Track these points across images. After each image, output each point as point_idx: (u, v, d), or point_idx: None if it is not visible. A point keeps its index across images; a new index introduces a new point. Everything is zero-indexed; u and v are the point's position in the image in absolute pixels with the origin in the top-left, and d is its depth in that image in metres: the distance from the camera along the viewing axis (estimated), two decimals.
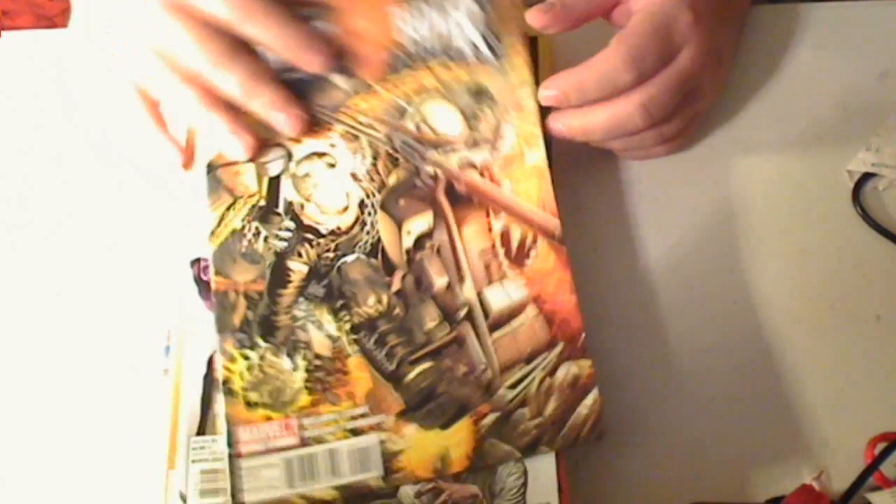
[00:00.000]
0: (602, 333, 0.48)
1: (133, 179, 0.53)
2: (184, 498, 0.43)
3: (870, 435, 0.47)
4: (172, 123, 0.49)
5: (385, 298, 0.45)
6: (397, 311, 0.45)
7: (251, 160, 0.46)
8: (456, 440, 0.43)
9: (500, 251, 0.46)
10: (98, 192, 0.53)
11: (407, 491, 0.43)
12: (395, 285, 0.45)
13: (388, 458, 0.43)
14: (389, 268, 0.45)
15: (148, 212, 0.52)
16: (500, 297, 0.45)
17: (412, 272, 0.45)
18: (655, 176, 0.53)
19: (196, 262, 0.47)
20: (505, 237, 0.46)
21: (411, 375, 0.44)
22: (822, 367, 0.48)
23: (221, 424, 0.44)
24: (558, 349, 0.44)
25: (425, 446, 0.43)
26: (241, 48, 0.45)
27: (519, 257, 0.46)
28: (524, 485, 0.43)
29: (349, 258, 0.45)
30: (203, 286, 0.47)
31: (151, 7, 0.45)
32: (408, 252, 0.45)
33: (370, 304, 0.45)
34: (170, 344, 0.46)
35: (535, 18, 0.47)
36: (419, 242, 0.46)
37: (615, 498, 0.46)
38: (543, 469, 0.44)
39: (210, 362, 0.46)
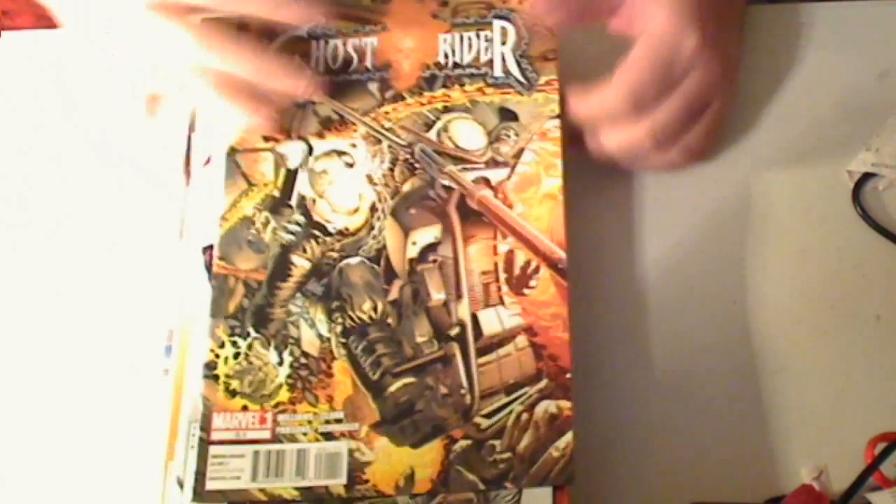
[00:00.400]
0: (602, 333, 0.48)
1: (133, 179, 0.53)
2: (181, 484, 0.43)
3: (870, 435, 0.47)
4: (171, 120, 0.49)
5: (380, 306, 0.45)
6: (390, 320, 0.45)
7: (274, 137, 0.47)
8: (424, 461, 0.42)
9: (502, 275, 0.45)
10: (98, 192, 0.53)
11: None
12: (393, 294, 0.45)
13: (355, 467, 0.42)
14: (390, 276, 0.45)
15: (148, 212, 0.52)
16: (493, 321, 0.45)
17: (411, 283, 0.45)
18: (655, 176, 0.53)
19: (209, 248, 0.48)
20: (509, 260, 0.46)
21: (392, 388, 0.44)
22: (822, 367, 0.48)
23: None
24: (541, 385, 0.43)
25: (393, 462, 0.42)
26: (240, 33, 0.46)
27: (519, 284, 0.45)
28: (520, 491, 0.43)
29: (352, 260, 0.45)
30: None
31: (149, 9, 0.45)
32: (410, 262, 0.46)
33: (365, 310, 0.45)
34: (170, 344, 0.46)
35: (537, 6, 0.47)
36: (423, 254, 0.46)
37: (615, 498, 0.46)
38: None
39: None
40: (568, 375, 0.44)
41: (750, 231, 0.51)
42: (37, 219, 0.53)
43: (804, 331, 0.49)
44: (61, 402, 0.48)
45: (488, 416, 0.43)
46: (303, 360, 0.44)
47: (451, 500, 0.43)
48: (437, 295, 0.45)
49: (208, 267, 0.47)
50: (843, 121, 0.53)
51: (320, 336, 0.44)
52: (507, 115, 0.48)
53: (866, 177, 0.52)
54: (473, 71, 0.49)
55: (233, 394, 0.43)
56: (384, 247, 0.46)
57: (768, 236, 0.51)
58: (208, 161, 0.50)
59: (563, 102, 0.48)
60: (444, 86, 0.49)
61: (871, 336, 0.49)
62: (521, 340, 0.44)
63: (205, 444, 0.43)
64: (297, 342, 0.44)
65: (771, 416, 0.47)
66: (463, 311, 0.45)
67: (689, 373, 0.48)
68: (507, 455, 0.43)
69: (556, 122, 0.48)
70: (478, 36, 0.50)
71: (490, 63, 0.49)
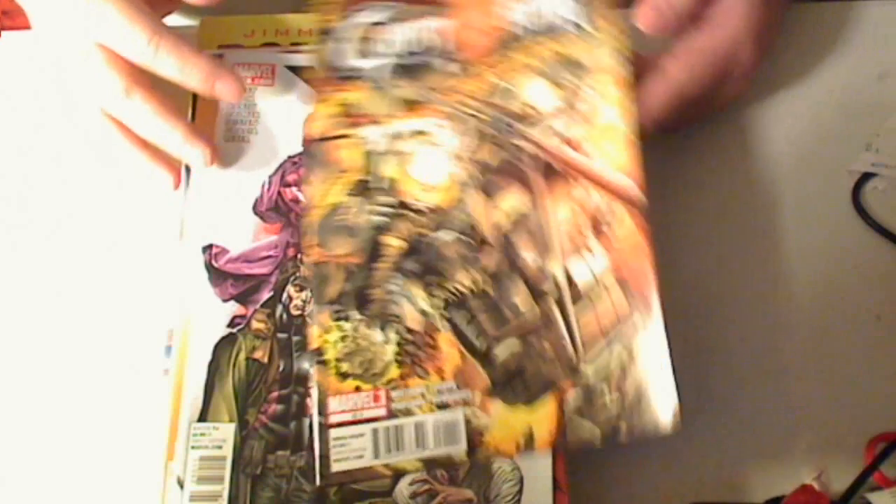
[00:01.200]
0: None
1: (133, 179, 0.53)
2: (181, 484, 0.44)
3: (870, 435, 0.47)
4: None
5: (477, 276, 0.45)
6: (488, 289, 0.45)
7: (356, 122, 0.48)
8: (539, 418, 0.43)
9: (586, 223, 0.46)
10: (98, 192, 0.53)
11: (402, 492, 0.43)
12: (487, 262, 0.46)
13: (473, 433, 0.43)
14: (481, 245, 0.46)
15: (148, 212, 0.52)
16: (583, 270, 0.45)
17: (503, 249, 0.46)
18: (655, 176, 0.52)
19: (208, 248, 0.48)
20: (590, 208, 0.46)
21: (498, 352, 0.44)
22: (822, 367, 0.48)
23: (222, 414, 0.45)
24: (634, 319, 0.45)
25: (510, 423, 0.43)
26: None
27: (602, 228, 0.46)
28: (520, 491, 0.43)
29: (445, 236, 0.46)
30: (214, 272, 0.47)
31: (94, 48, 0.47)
32: (499, 228, 0.46)
33: (462, 282, 0.45)
34: (170, 344, 0.46)
35: (643, 18, 0.48)
36: (510, 218, 0.46)
37: (615, 498, 0.46)
38: (539, 475, 0.44)
39: (215, 349, 0.46)
40: (656, 306, 0.44)
41: (750, 231, 0.51)
42: (37, 219, 0.53)
43: (804, 331, 0.49)
44: (62, 403, 0.49)
45: (593, 362, 0.44)
46: (408, 336, 0.45)
47: (451, 500, 0.43)
48: (528, 256, 0.46)
49: (209, 266, 0.47)
50: (843, 121, 0.53)
51: (422, 311, 0.45)
52: (578, 67, 0.49)
53: (866, 177, 0.52)
54: (535, 27, 0.49)
55: (344, 376, 0.44)
56: (473, 218, 0.46)
57: (768, 236, 0.51)
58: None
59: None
60: (511, 48, 0.49)
61: (871, 336, 0.49)
62: (609, 280, 0.45)
63: (324, 427, 0.43)
64: (400, 319, 0.45)
65: (771, 416, 0.47)
66: (555, 266, 0.46)
67: (688, 372, 0.48)
68: (615, 396, 0.44)
69: (627, 68, 0.48)
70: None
71: (550, 14, 0.49)
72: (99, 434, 0.48)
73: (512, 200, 0.47)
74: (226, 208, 0.49)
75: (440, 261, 0.46)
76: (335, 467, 0.43)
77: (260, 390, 0.45)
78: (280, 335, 0.46)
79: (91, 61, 0.47)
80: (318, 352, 0.44)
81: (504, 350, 0.44)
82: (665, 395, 0.44)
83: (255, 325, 0.46)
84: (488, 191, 0.47)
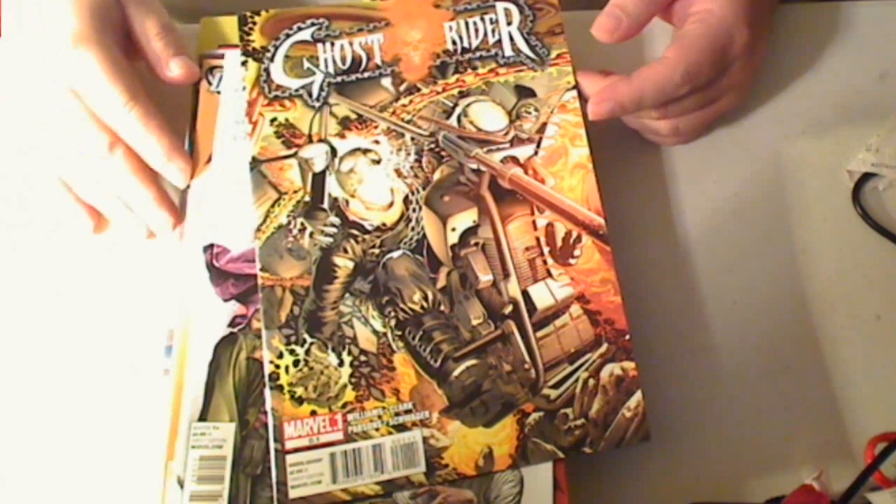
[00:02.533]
0: None
1: None
2: (181, 483, 0.44)
3: (870, 435, 0.47)
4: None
5: (430, 295, 0.45)
6: (442, 307, 0.45)
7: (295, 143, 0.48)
8: (499, 438, 0.43)
9: (545, 248, 0.46)
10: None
11: (403, 493, 0.43)
12: (441, 282, 0.45)
13: (432, 454, 0.43)
14: (434, 264, 0.46)
15: None
16: (544, 295, 0.45)
17: (457, 269, 0.46)
18: (655, 176, 0.53)
19: (209, 248, 0.48)
20: (549, 234, 0.46)
21: (456, 372, 0.44)
22: (822, 367, 0.48)
23: (222, 413, 0.45)
24: (602, 349, 0.45)
25: (469, 444, 0.43)
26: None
27: (564, 255, 0.46)
28: (520, 493, 0.43)
29: (394, 254, 0.46)
30: (215, 272, 0.47)
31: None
32: (453, 248, 0.46)
33: (415, 301, 0.45)
34: (170, 344, 0.46)
35: (601, 28, 0.48)
36: (464, 239, 0.46)
37: (615, 498, 0.46)
38: (539, 477, 0.44)
39: (216, 349, 0.46)
40: (627, 337, 0.45)
41: (750, 231, 0.51)
42: (37, 219, 0.52)
43: (804, 331, 0.49)
44: (62, 402, 0.48)
45: (556, 386, 0.44)
46: (362, 358, 0.44)
47: (451, 500, 0.43)
48: (484, 277, 0.46)
49: (210, 266, 0.47)
50: (843, 121, 0.53)
51: (376, 332, 0.45)
52: (525, 92, 0.49)
53: (866, 177, 0.52)
54: (483, 53, 0.50)
55: (299, 401, 0.44)
56: (424, 237, 0.46)
57: (768, 236, 0.51)
58: (209, 160, 0.50)
59: (576, 75, 0.49)
60: (457, 72, 0.49)
61: (871, 336, 0.49)
62: (576, 309, 0.45)
63: (281, 454, 0.43)
64: (354, 341, 0.45)
65: (771, 416, 0.47)
66: (513, 288, 0.45)
67: (688, 373, 0.48)
68: (580, 422, 0.44)
69: (574, 93, 0.49)
70: (482, 20, 0.50)
71: (499, 44, 0.50)
72: (99, 434, 0.48)
73: (463, 219, 0.46)
74: (227, 208, 0.49)
75: (391, 280, 0.45)
76: (293, 493, 0.42)
77: (260, 390, 0.45)
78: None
79: (70, 113, 0.47)
80: (273, 377, 0.44)
81: (462, 369, 0.44)
82: (635, 421, 0.44)
83: (256, 324, 0.46)
84: (437, 208, 0.47)
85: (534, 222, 0.47)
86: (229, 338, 0.46)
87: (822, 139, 0.53)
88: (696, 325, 0.49)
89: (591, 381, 0.44)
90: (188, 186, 0.50)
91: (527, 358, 0.44)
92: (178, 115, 0.51)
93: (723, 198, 0.52)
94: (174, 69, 0.49)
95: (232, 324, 0.46)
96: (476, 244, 0.46)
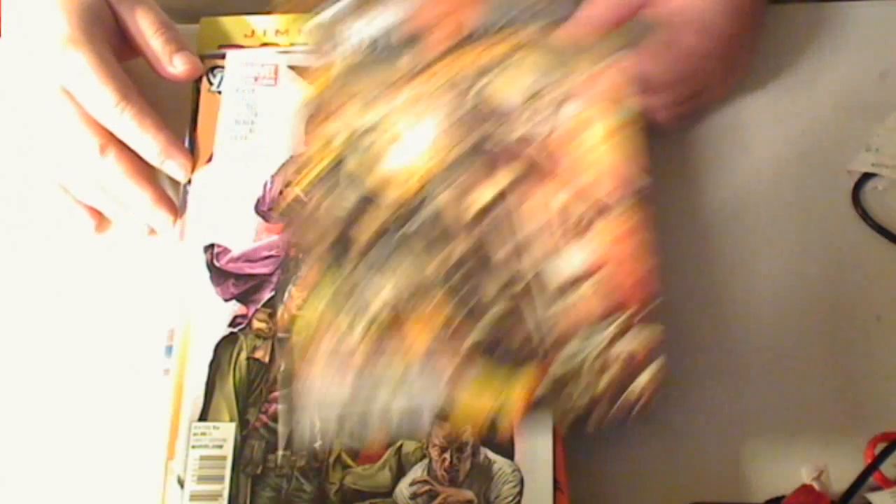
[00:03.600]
0: None
1: None
2: (181, 483, 0.44)
3: (870, 435, 0.47)
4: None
5: (445, 268, 0.45)
6: (456, 281, 0.45)
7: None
8: (506, 401, 0.43)
9: (565, 220, 0.46)
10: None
11: (403, 492, 0.43)
12: (456, 255, 0.45)
13: (440, 413, 0.43)
14: (451, 237, 0.45)
15: None
16: (562, 266, 0.45)
17: (474, 242, 0.45)
18: (655, 176, 0.53)
19: (210, 247, 0.48)
20: (569, 206, 0.46)
21: (467, 345, 0.44)
22: (822, 367, 0.48)
23: (222, 413, 0.45)
24: (622, 317, 0.44)
25: (474, 411, 0.43)
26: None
27: (583, 227, 0.45)
28: (520, 493, 0.43)
29: (412, 227, 0.46)
30: (215, 272, 0.47)
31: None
32: (470, 222, 0.46)
33: (429, 274, 0.45)
34: (170, 344, 0.46)
35: (563, 34, 0.48)
36: (482, 212, 0.46)
37: (615, 498, 0.46)
38: (539, 476, 0.44)
39: (216, 349, 0.46)
40: (647, 309, 0.44)
41: (750, 231, 0.51)
42: (37, 219, 0.53)
43: (804, 331, 0.49)
44: (62, 402, 0.48)
45: (568, 358, 0.43)
46: (382, 316, 0.44)
47: (451, 501, 0.43)
48: (501, 250, 0.45)
49: (210, 266, 0.47)
50: (843, 121, 0.53)
51: (386, 302, 0.44)
52: (549, 62, 0.48)
53: (866, 177, 0.52)
54: (511, 19, 0.49)
55: (312, 360, 0.43)
56: (441, 210, 0.46)
57: (768, 236, 0.51)
58: (210, 160, 0.50)
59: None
60: (479, 40, 0.49)
61: (871, 336, 0.49)
62: (594, 280, 0.44)
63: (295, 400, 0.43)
64: (370, 304, 0.44)
65: (771, 416, 0.47)
66: (530, 261, 0.45)
67: (688, 372, 0.48)
68: (587, 398, 0.43)
69: (602, 63, 0.48)
70: None
71: (528, 12, 0.49)
72: (99, 434, 0.48)
73: (482, 193, 0.46)
74: (227, 208, 0.49)
75: (406, 253, 0.45)
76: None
77: (261, 390, 0.45)
78: (281, 335, 0.46)
79: (63, 114, 0.47)
80: (288, 331, 0.44)
81: (473, 343, 0.44)
82: (646, 392, 0.43)
83: (257, 324, 0.46)
84: (455, 182, 0.46)
85: (553, 194, 0.46)
86: (230, 338, 0.46)
87: (822, 139, 0.53)
88: (695, 325, 0.49)
89: (605, 354, 0.43)
90: (188, 183, 0.50)
91: (540, 330, 0.44)
92: (178, 115, 0.51)
93: (722, 198, 0.52)
94: (178, 65, 0.49)
95: (232, 324, 0.46)
96: (494, 217, 0.46)
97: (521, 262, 0.45)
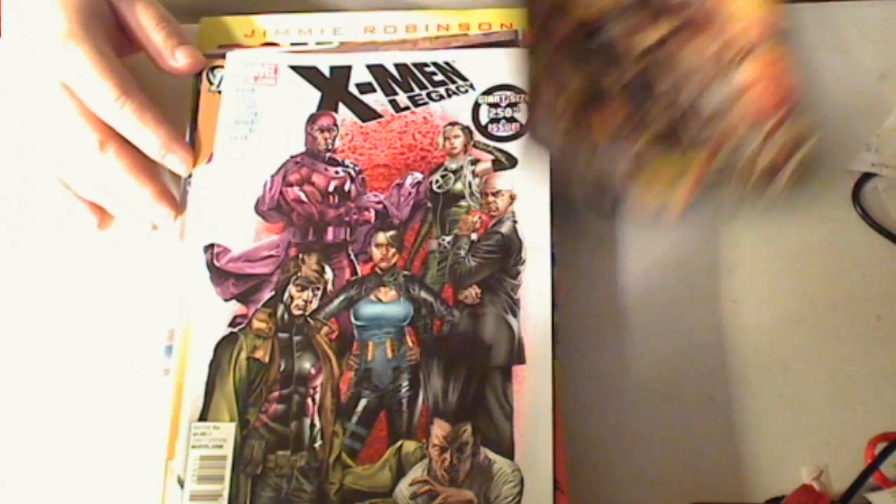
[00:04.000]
0: (601, 333, 0.49)
1: None
2: (181, 483, 0.44)
3: (870, 435, 0.47)
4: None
5: (618, 85, 0.49)
6: (626, 97, 0.49)
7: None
8: (685, 168, 0.48)
9: (717, 61, 0.50)
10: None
11: (403, 492, 0.43)
12: (625, 80, 0.49)
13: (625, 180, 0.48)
14: (621, 63, 0.50)
15: None
16: (715, 96, 0.49)
17: (639, 72, 0.50)
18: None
19: (210, 247, 0.48)
20: (721, 52, 0.50)
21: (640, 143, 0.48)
22: (822, 367, 0.48)
23: (222, 413, 0.45)
24: (774, 119, 0.48)
25: (653, 181, 0.48)
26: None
27: (734, 65, 0.50)
28: (520, 493, 0.43)
29: (591, 45, 0.50)
30: (215, 272, 0.47)
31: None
32: (637, 56, 0.49)
33: (605, 85, 0.49)
34: (170, 344, 0.47)
35: None
36: (646, 51, 0.50)
37: (615, 498, 0.46)
38: (539, 476, 0.44)
39: (216, 349, 0.46)
40: (796, 108, 0.49)
41: (750, 230, 0.51)
42: (37, 219, 0.53)
43: (804, 331, 0.49)
44: (62, 402, 0.48)
45: (729, 153, 0.48)
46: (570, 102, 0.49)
47: (451, 501, 0.43)
48: (663, 83, 0.49)
49: (210, 266, 0.47)
50: (843, 121, 0.53)
51: (576, 88, 0.49)
52: None
53: (866, 177, 0.52)
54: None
55: None
56: (614, 40, 0.50)
57: (768, 236, 0.51)
58: (210, 159, 0.50)
59: None
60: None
61: (871, 336, 0.49)
62: (747, 97, 0.49)
63: None
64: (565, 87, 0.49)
65: (771, 416, 0.47)
66: (686, 95, 0.49)
67: (688, 372, 0.48)
68: (749, 179, 0.48)
69: None
70: None
71: None
72: (99, 434, 0.48)
73: (649, 36, 0.50)
74: (227, 208, 0.49)
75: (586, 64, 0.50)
76: None
77: (261, 390, 0.45)
78: (281, 335, 0.46)
79: (63, 111, 0.47)
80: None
81: (647, 140, 0.48)
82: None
83: (257, 324, 0.46)
84: (630, 22, 0.51)
85: (708, 45, 0.50)
86: (230, 338, 0.46)
87: (822, 139, 0.53)
88: (695, 325, 0.49)
89: (766, 143, 0.48)
90: (189, 179, 0.50)
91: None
92: (178, 114, 0.51)
93: (722, 197, 0.52)
94: (180, 59, 0.49)
95: (232, 324, 0.46)
96: (659, 54, 0.50)
97: (687, 91, 0.49)
